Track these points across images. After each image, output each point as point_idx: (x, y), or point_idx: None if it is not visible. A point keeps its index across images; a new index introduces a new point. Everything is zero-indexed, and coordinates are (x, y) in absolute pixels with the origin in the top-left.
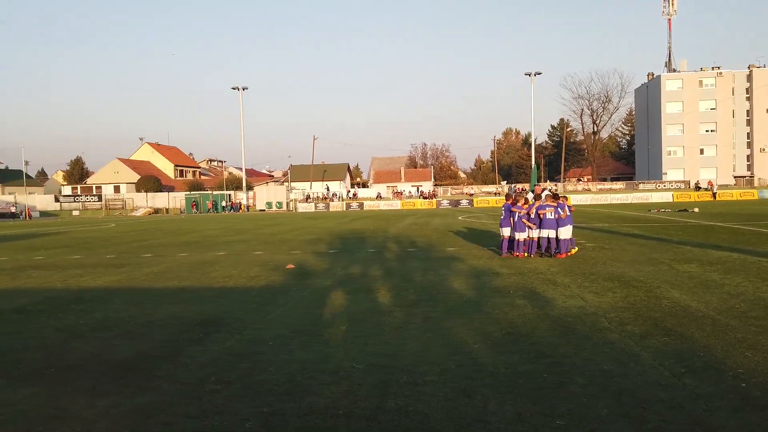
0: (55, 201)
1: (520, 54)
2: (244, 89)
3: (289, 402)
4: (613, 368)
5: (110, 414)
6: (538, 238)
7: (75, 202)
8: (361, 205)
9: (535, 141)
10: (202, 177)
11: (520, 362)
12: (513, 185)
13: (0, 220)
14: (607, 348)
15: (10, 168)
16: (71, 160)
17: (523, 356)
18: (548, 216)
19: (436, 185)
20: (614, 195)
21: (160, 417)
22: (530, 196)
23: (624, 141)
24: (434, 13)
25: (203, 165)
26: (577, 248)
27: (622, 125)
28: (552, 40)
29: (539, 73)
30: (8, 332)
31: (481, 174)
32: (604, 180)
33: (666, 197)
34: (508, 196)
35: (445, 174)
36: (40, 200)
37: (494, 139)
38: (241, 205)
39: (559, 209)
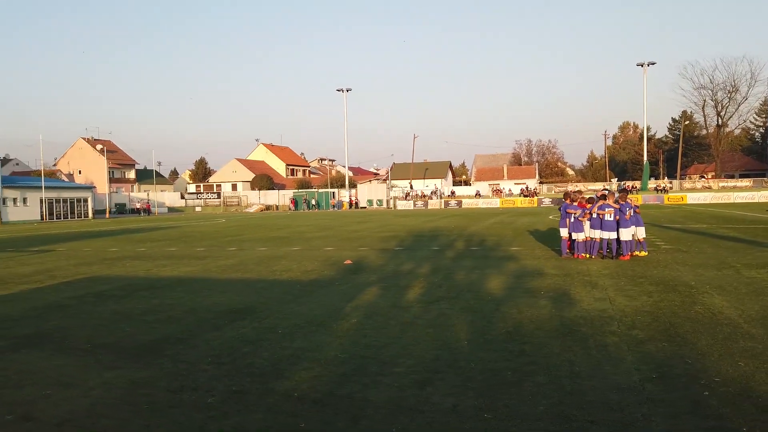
0: (181, 198)
1: (636, 42)
2: (348, 90)
3: (259, 383)
4: (583, 370)
5: (108, 384)
6: (600, 239)
7: (198, 199)
8: (459, 203)
9: (654, 135)
10: (312, 176)
11: (496, 359)
12: (623, 182)
13: (132, 215)
14: (595, 351)
15: (147, 168)
16: (196, 161)
17: (503, 354)
18: (607, 218)
19: (541, 183)
20: (739, 193)
21: (146, 389)
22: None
23: (758, 134)
24: (537, 3)
25: (314, 164)
26: (646, 252)
27: (755, 116)
28: (670, 26)
29: (653, 63)
30: (76, 313)
31: (592, 171)
32: (731, 177)
33: None
34: (566, 196)
35: (551, 171)
36: (168, 197)
37: (605, 135)
38: (343, 203)
39: (625, 209)
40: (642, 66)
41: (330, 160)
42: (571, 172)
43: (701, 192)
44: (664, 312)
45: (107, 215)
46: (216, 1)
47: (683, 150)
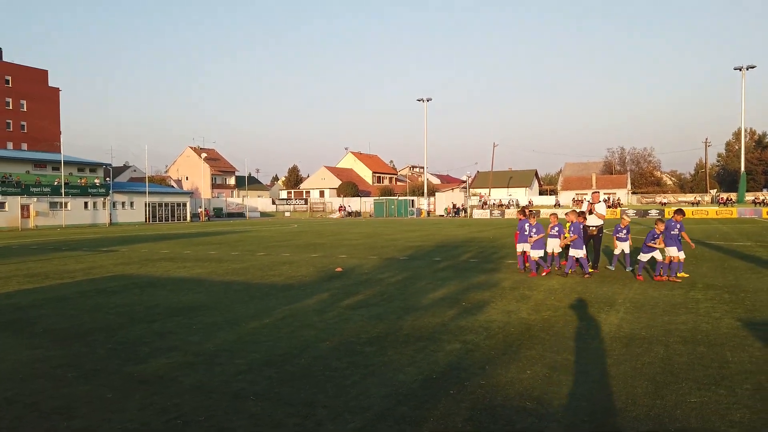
0: (272, 204)
1: (744, 43)
2: (428, 100)
3: (119, 365)
4: (383, 370)
5: (18, 360)
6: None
7: (287, 204)
8: (537, 213)
9: None
10: (398, 183)
11: (326, 357)
12: (717, 194)
13: (230, 219)
14: (422, 355)
15: (251, 175)
16: (289, 168)
17: (341, 354)
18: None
19: (633, 193)
20: None
21: (39, 364)
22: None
23: None
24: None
25: (405, 171)
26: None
27: None
28: None
29: (752, 67)
30: (67, 305)
31: (696, 180)
32: None
33: None
34: (521, 212)
35: (645, 180)
36: (261, 203)
37: (706, 142)
38: (421, 211)
39: (570, 229)
40: (740, 70)
41: (420, 167)
42: (669, 181)
43: None
44: (542, 325)
45: (202, 219)
46: (307, 20)
47: None
